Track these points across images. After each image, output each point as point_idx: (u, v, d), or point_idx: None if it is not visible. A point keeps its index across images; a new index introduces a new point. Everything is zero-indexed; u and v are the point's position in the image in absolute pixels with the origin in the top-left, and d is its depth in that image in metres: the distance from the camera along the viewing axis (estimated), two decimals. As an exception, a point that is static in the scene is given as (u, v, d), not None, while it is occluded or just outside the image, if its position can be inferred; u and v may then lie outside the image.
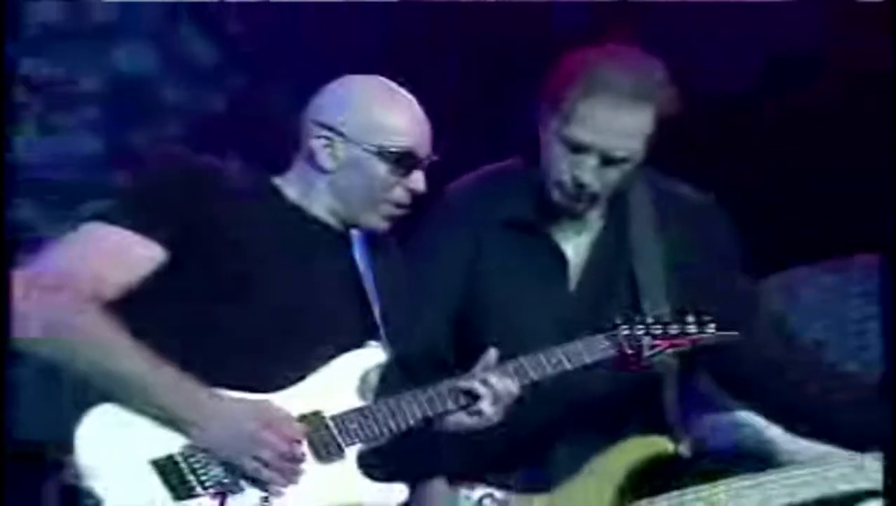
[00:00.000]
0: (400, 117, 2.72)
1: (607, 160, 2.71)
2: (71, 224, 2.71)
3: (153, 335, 2.56)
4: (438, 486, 2.93)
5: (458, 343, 2.85)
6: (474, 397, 2.63)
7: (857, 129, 4.00)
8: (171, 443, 2.57)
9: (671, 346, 2.69)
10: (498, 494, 2.93)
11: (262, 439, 2.57)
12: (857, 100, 4.09)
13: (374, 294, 2.82)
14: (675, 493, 2.87)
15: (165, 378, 2.55)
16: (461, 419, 2.68)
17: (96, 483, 2.54)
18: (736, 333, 2.73)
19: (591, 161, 2.72)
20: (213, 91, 3.96)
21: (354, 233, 2.82)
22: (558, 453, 2.92)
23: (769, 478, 2.89)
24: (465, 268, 2.90)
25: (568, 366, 2.66)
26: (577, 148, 2.72)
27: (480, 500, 2.98)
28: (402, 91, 2.78)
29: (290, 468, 2.59)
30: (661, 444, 2.95)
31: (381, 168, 2.69)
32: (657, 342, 2.68)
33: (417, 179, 2.71)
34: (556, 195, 2.78)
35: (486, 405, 2.63)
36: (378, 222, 2.74)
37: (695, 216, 2.91)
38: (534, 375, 2.66)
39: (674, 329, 2.69)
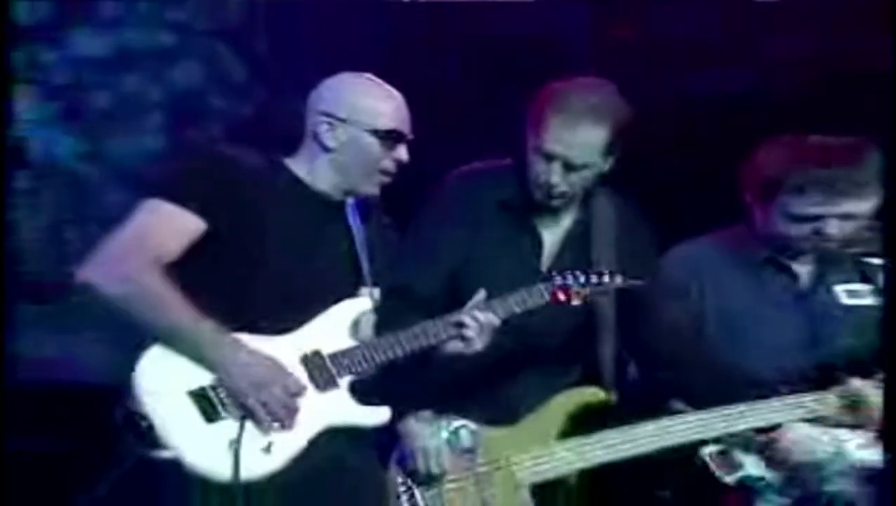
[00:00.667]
0: (386, 104, 3.25)
1: (570, 167, 3.25)
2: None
3: (194, 291, 3.07)
4: (422, 416, 3.37)
5: (450, 292, 3.29)
6: (463, 326, 3.13)
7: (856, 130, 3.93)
8: (203, 378, 3.10)
9: (589, 286, 3.22)
10: (471, 425, 3.40)
11: (267, 389, 3.10)
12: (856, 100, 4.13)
13: (364, 252, 3.32)
14: (604, 432, 3.36)
15: (204, 330, 3.09)
16: (453, 346, 3.16)
17: (149, 409, 3.07)
18: (640, 281, 3.24)
19: (557, 167, 3.26)
20: (241, 99, 4.59)
21: (349, 203, 3.31)
22: (519, 395, 3.40)
23: (699, 415, 3.34)
24: (465, 235, 3.37)
25: (530, 303, 3.16)
26: (548, 157, 3.25)
27: (457, 429, 3.42)
28: (386, 84, 3.31)
29: (285, 414, 3.10)
30: (595, 393, 3.44)
31: (374, 144, 3.21)
32: (581, 288, 3.18)
33: (402, 151, 3.25)
34: (535, 194, 3.32)
35: (472, 333, 3.11)
36: (373, 189, 3.27)
37: (633, 222, 3.43)
38: (510, 311, 3.17)
39: (594, 277, 3.20)
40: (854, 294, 3.45)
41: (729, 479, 3.47)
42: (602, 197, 3.39)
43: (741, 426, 3.36)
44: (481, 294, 3.15)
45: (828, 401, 3.39)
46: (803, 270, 3.46)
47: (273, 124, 4.23)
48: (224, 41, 4.69)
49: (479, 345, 3.15)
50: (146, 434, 3.11)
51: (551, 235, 3.42)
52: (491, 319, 3.15)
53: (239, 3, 4.74)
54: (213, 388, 3.11)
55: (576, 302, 3.20)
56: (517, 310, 3.18)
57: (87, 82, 4.58)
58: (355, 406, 3.21)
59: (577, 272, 3.20)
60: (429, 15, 4.64)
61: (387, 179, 3.28)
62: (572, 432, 3.42)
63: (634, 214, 3.48)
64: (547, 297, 3.16)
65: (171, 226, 3.22)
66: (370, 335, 3.26)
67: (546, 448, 3.45)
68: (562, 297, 3.20)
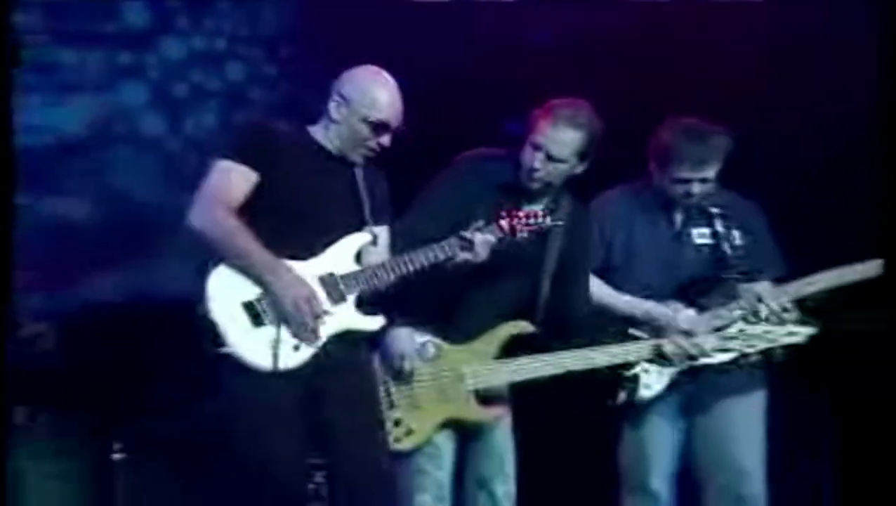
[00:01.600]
0: (384, 98, 3.87)
1: (550, 157, 4.04)
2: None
3: (250, 226, 3.76)
4: (401, 329, 4.12)
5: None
6: (470, 242, 3.84)
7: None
8: (251, 292, 3.79)
9: (527, 227, 3.95)
10: (435, 340, 4.16)
11: (299, 306, 3.75)
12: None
13: (365, 198, 3.98)
14: (530, 356, 4.20)
15: (262, 256, 3.78)
16: (463, 256, 3.87)
17: (214, 315, 3.77)
18: (562, 222, 4.06)
19: (541, 156, 4.05)
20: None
21: (357, 162, 3.94)
22: (473, 322, 4.18)
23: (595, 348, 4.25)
24: (467, 196, 4.10)
25: (503, 231, 3.90)
26: (535, 148, 4.05)
27: (425, 343, 4.18)
28: (391, 79, 3.91)
29: (310, 320, 3.75)
30: (526, 326, 4.21)
31: (364, 129, 3.87)
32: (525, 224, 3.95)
33: (385, 139, 3.88)
34: (523, 177, 4.08)
35: (480, 247, 3.85)
36: (357, 158, 3.92)
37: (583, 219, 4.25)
38: (495, 235, 3.90)
39: (531, 219, 3.97)
40: (702, 235, 4.38)
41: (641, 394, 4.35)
42: (567, 199, 4.18)
43: (632, 357, 4.27)
44: (480, 222, 3.89)
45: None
46: (677, 217, 4.37)
47: (296, 106, 4.85)
48: (261, 46, 5.57)
49: (483, 256, 3.88)
50: (214, 336, 3.79)
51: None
52: (489, 237, 3.90)
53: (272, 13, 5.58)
54: (259, 301, 3.79)
55: (521, 234, 3.95)
56: (499, 235, 3.92)
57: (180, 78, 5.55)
58: (358, 316, 3.93)
59: (521, 215, 3.98)
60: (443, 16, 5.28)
61: (370, 154, 3.93)
62: (507, 354, 4.21)
63: (586, 214, 4.28)
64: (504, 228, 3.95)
65: (235, 179, 3.91)
66: (370, 261, 3.93)
67: (487, 364, 4.20)
68: (505, 226, 3.95)
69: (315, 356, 3.83)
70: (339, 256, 3.96)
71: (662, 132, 4.33)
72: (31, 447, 4.76)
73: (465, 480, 4.29)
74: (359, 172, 4.02)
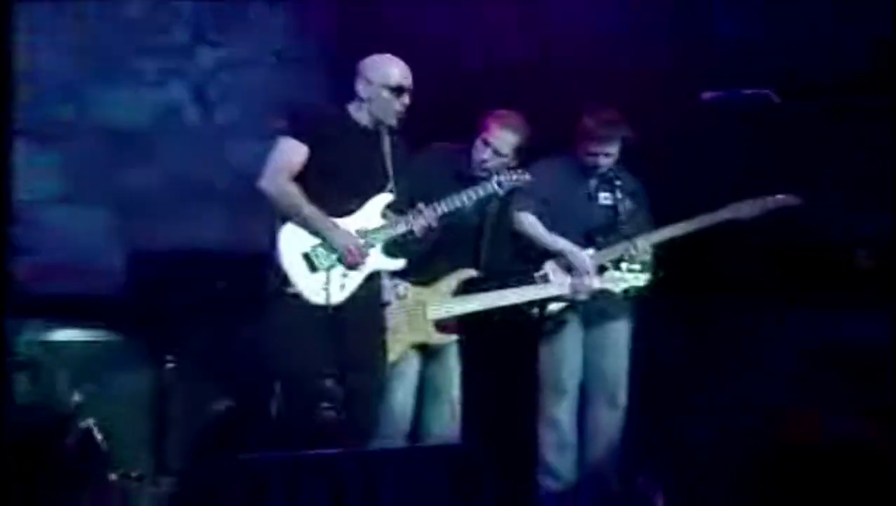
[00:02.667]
0: (396, 69, 4.53)
1: (496, 152, 4.91)
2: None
3: (305, 190, 4.39)
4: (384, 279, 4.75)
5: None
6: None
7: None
8: (307, 244, 4.46)
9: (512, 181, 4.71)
10: (405, 283, 4.95)
11: (349, 250, 4.43)
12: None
13: (389, 164, 4.57)
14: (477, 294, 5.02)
15: (316, 214, 4.41)
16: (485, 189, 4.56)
17: (284, 264, 4.47)
18: (527, 177, 4.75)
19: (489, 151, 4.90)
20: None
21: (383, 133, 4.55)
22: (435, 269, 5.00)
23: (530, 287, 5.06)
24: (428, 180, 4.79)
25: (481, 192, 4.64)
26: (485, 144, 4.90)
27: (397, 284, 4.93)
28: (397, 59, 4.54)
29: (354, 262, 4.46)
30: (470, 272, 5.03)
31: (387, 94, 4.50)
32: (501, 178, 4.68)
33: (406, 98, 4.49)
34: (473, 166, 4.91)
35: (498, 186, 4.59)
36: (392, 121, 4.51)
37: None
38: (484, 191, 4.64)
39: (503, 179, 4.72)
40: (606, 198, 5.18)
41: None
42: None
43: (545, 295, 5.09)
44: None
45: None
46: (592, 182, 5.20)
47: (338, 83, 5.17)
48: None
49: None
50: (284, 279, 4.47)
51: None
52: (492, 187, 4.69)
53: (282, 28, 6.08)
54: (313, 251, 4.44)
55: (507, 187, 4.66)
56: (482, 193, 4.67)
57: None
58: (385, 259, 4.62)
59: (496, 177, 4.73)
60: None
61: (400, 115, 4.52)
62: (460, 294, 5.02)
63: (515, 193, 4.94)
64: (495, 187, 4.71)
65: (292, 152, 4.44)
66: (390, 217, 4.57)
67: (445, 300, 5.00)
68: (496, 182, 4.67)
69: (355, 293, 4.52)
70: (370, 214, 4.58)
71: (583, 117, 5.15)
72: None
73: (424, 391, 5.09)
74: (385, 143, 4.57)
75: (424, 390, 5.10)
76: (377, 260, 4.57)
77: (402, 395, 4.97)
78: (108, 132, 5.95)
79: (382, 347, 4.63)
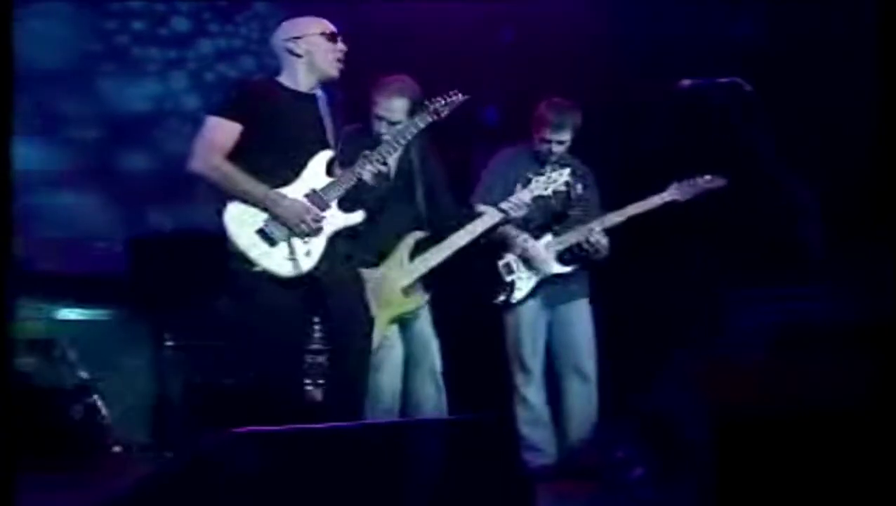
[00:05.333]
0: (322, 22, 4.33)
1: (391, 123, 4.77)
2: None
3: (242, 166, 4.16)
4: None
5: None
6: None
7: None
8: (259, 220, 4.22)
9: (447, 106, 4.45)
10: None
11: (300, 220, 4.18)
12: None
13: (329, 126, 4.39)
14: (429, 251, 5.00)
15: (263, 190, 4.18)
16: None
17: (240, 245, 4.22)
18: (461, 97, 4.51)
19: (385, 124, 4.80)
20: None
21: (318, 95, 4.35)
22: (381, 243, 4.98)
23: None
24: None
25: (431, 115, 4.44)
26: (378, 118, 4.85)
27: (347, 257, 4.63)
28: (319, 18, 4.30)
29: (308, 227, 4.18)
30: (418, 234, 5.03)
31: (323, 41, 4.33)
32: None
33: (341, 45, 4.31)
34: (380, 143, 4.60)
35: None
36: (335, 72, 4.35)
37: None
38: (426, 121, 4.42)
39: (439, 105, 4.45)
40: (561, 184, 5.16)
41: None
42: (415, 147, 4.91)
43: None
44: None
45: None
46: (546, 169, 5.21)
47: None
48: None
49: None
50: (245, 260, 4.24)
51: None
52: (429, 117, 4.46)
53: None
54: (266, 226, 4.21)
55: (443, 114, 4.44)
56: (430, 119, 4.44)
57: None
58: (342, 214, 4.37)
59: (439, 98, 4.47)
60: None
61: (341, 63, 4.34)
62: (416, 255, 5.04)
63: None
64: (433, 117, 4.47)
65: (222, 131, 4.24)
66: (337, 173, 4.34)
67: (403, 267, 5.00)
68: (431, 110, 4.44)
69: (321, 259, 4.31)
70: (314, 175, 4.35)
71: (538, 106, 5.28)
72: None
73: (406, 366, 5.09)
74: (322, 104, 4.42)
75: (406, 366, 5.13)
76: (335, 218, 4.39)
77: (388, 376, 4.99)
78: (109, 118, 6.17)
79: (363, 302, 4.51)
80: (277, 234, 4.22)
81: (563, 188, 5.22)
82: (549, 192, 5.09)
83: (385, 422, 4.67)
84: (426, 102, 4.49)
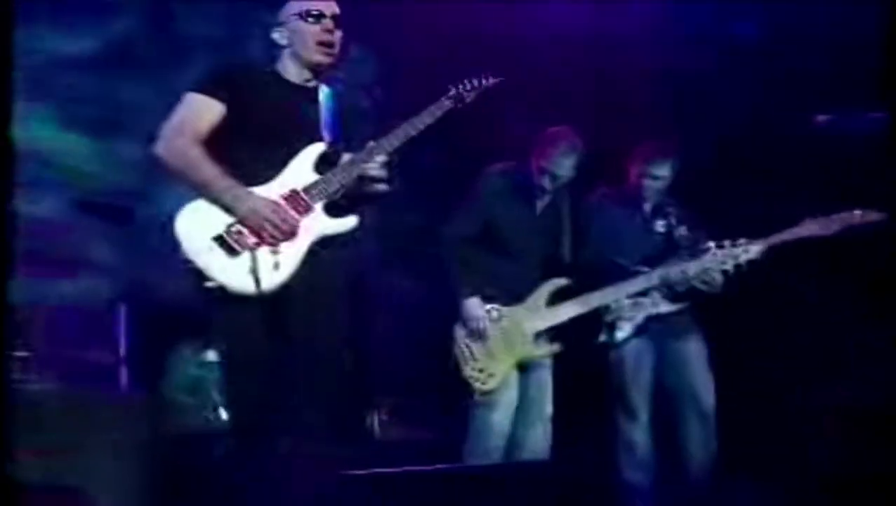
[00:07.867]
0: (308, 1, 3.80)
1: (554, 177, 4.97)
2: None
3: (219, 157, 3.62)
4: (472, 300, 4.93)
5: None
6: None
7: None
8: (219, 226, 3.59)
9: (472, 91, 3.94)
10: (497, 306, 5.02)
11: (266, 216, 3.61)
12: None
13: (327, 118, 3.85)
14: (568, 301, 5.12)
15: (226, 183, 3.61)
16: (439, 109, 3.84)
17: (192, 256, 3.60)
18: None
19: (547, 179, 4.99)
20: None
21: (318, 88, 3.85)
22: (519, 286, 5.07)
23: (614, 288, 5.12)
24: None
25: (453, 101, 3.89)
26: (542, 172, 4.98)
27: (489, 309, 5.03)
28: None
29: (281, 236, 3.61)
30: (560, 282, 5.07)
31: (306, 26, 3.80)
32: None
33: (328, 24, 3.80)
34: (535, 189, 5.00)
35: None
36: (324, 58, 3.82)
37: None
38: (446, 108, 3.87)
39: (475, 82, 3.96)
40: (662, 225, 5.20)
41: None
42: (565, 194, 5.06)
43: (633, 289, 5.08)
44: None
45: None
46: (647, 206, 5.26)
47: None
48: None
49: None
50: (198, 273, 3.60)
51: None
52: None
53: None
54: (227, 232, 3.60)
55: (468, 100, 3.93)
56: (449, 106, 3.90)
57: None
58: (330, 220, 3.75)
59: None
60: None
61: (330, 50, 3.83)
62: (554, 303, 5.06)
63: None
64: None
65: (201, 110, 3.74)
66: (329, 169, 3.76)
67: (538, 313, 5.04)
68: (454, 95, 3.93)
69: (294, 275, 3.69)
70: (298, 171, 3.79)
71: (638, 146, 5.30)
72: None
73: (518, 408, 5.07)
74: (320, 96, 3.92)
75: (518, 408, 5.11)
76: (319, 223, 3.75)
77: (501, 416, 5.01)
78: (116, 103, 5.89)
79: (335, 331, 3.84)
80: (241, 240, 3.62)
81: (662, 229, 5.25)
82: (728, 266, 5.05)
83: (497, 465, 4.89)
84: (450, 87, 3.97)
